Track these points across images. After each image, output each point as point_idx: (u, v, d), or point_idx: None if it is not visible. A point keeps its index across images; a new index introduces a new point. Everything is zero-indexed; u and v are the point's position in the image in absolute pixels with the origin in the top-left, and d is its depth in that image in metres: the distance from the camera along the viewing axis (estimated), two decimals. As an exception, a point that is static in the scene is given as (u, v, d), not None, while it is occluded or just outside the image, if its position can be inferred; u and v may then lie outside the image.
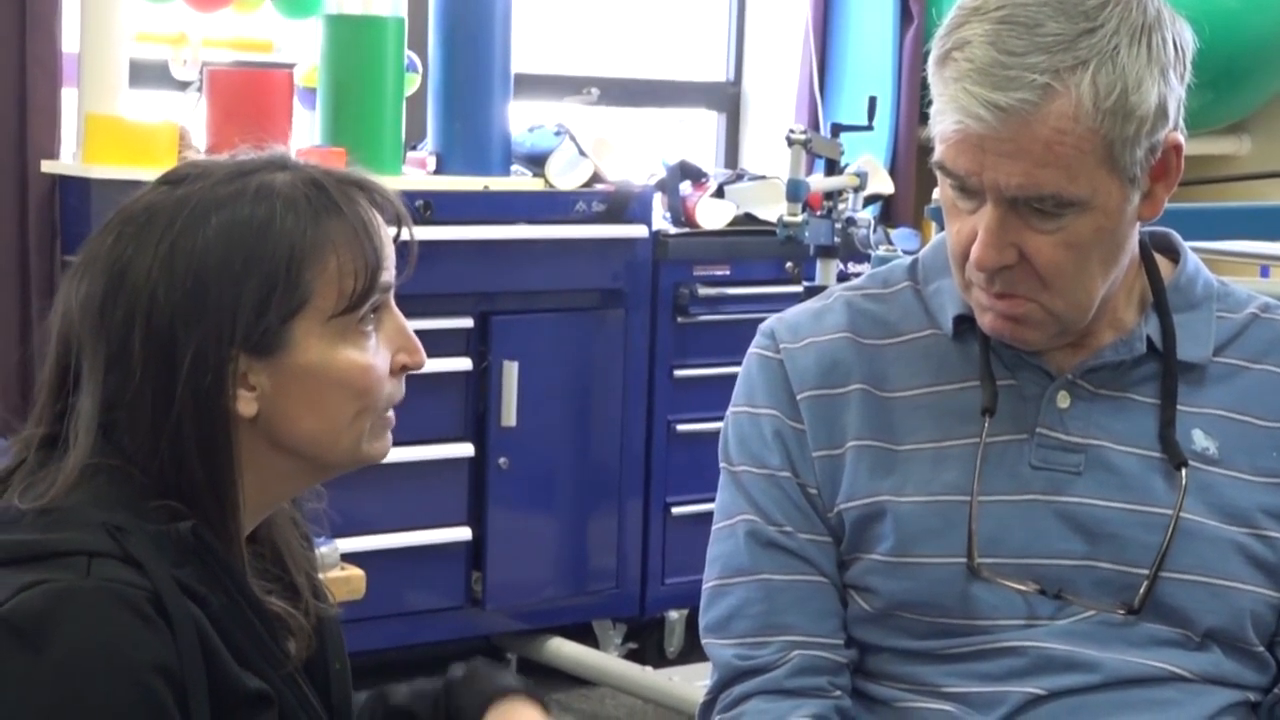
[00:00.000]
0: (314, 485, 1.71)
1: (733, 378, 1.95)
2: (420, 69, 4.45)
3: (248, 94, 4.05)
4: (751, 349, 1.94)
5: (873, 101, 4.49)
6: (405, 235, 1.67)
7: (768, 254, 4.66)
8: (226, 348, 1.56)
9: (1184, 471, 1.80)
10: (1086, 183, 1.71)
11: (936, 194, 1.85)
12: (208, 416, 1.56)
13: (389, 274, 1.63)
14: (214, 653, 1.51)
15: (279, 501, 1.68)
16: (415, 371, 1.67)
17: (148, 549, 1.50)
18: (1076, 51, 1.68)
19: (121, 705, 1.45)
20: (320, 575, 1.75)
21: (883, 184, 4.95)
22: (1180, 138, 1.76)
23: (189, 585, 1.51)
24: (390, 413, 1.67)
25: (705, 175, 4.77)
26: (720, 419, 1.95)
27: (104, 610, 1.46)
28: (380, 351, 1.63)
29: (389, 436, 1.67)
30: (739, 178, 4.85)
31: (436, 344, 4.20)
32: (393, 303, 1.66)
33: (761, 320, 1.97)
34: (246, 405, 1.58)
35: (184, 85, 4.34)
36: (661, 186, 4.69)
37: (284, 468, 1.62)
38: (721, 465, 1.93)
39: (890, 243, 4.59)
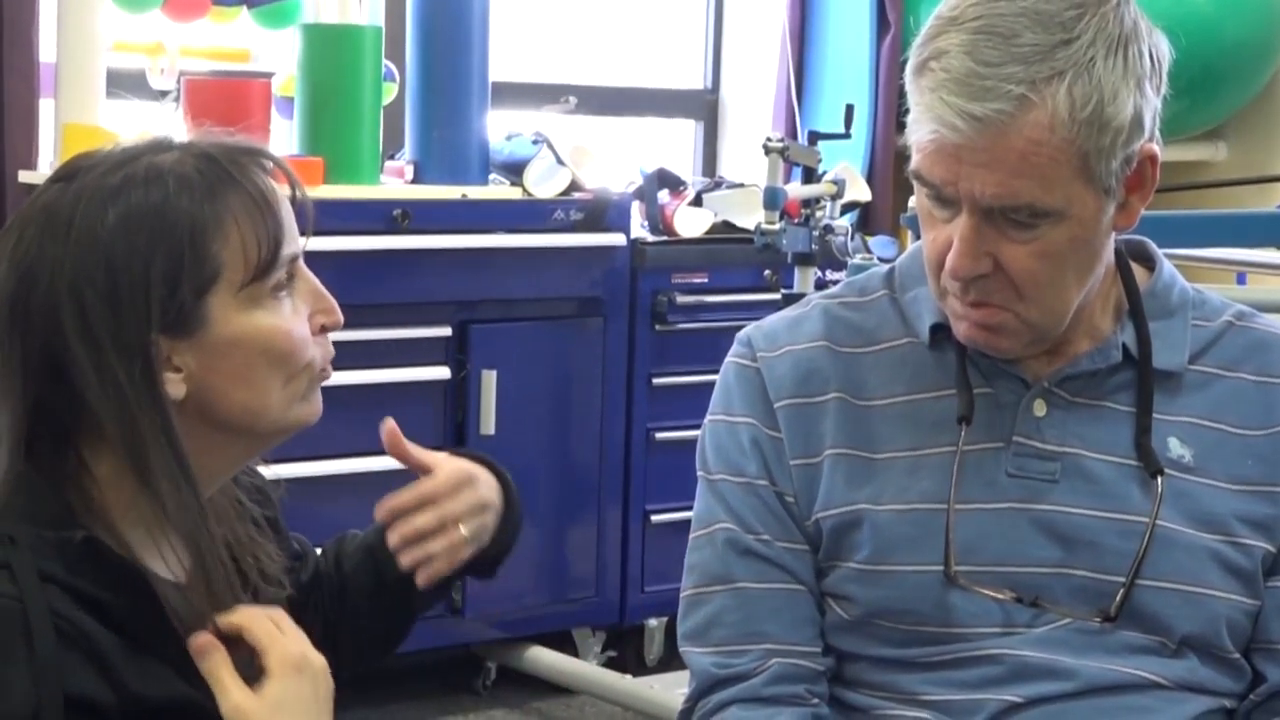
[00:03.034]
0: (250, 458, 1.72)
1: (711, 386, 1.96)
2: (398, 78, 4.45)
3: (225, 103, 4.04)
4: (729, 358, 1.94)
5: (850, 109, 4.50)
6: (299, 195, 1.68)
7: (746, 262, 4.65)
8: (145, 333, 1.56)
9: (1160, 479, 1.80)
10: (1062, 193, 1.71)
11: (913, 202, 1.85)
12: (140, 404, 1.56)
13: (292, 239, 1.64)
14: (108, 668, 1.52)
15: (218, 479, 1.68)
16: (334, 330, 1.68)
17: (30, 561, 1.51)
18: (1053, 62, 1.68)
19: None
20: (277, 559, 1.76)
21: (860, 192, 4.95)
22: (1156, 149, 1.77)
23: (86, 592, 1.53)
24: (328, 368, 1.68)
25: (683, 183, 4.77)
26: (699, 427, 1.95)
27: None
28: (298, 314, 1.64)
29: (319, 398, 1.68)
30: (717, 186, 4.85)
31: (415, 353, 4.22)
32: (303, 266, 1.66)
33: (740, 328, 1.97)
34: (175, 387, 1.59)
35: (162, 95, 4.33)
36: (639, 195, 4.69)
37: (216, 443, 1.63)
38: (699, 474, 1.93)
39: (868, 250, 4.58)
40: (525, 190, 4.40)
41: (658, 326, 4.63)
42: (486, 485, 1.86)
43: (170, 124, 4.12)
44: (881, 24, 5.26)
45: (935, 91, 1.70)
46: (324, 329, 1.67)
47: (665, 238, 4.66)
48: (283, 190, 1.66)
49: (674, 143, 5.57)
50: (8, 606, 1.49)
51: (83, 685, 1.50)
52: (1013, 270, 1.74)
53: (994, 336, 1.79)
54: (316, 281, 1.67)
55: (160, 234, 1.57)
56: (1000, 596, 1.80)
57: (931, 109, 1.70)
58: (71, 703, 1.49)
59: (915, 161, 1.75)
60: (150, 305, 1.56)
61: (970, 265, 1.74)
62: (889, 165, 5.24)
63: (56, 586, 1.52)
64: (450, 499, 1.80)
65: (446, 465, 1.81)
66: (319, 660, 1.60)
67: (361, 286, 3.97)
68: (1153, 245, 1.94)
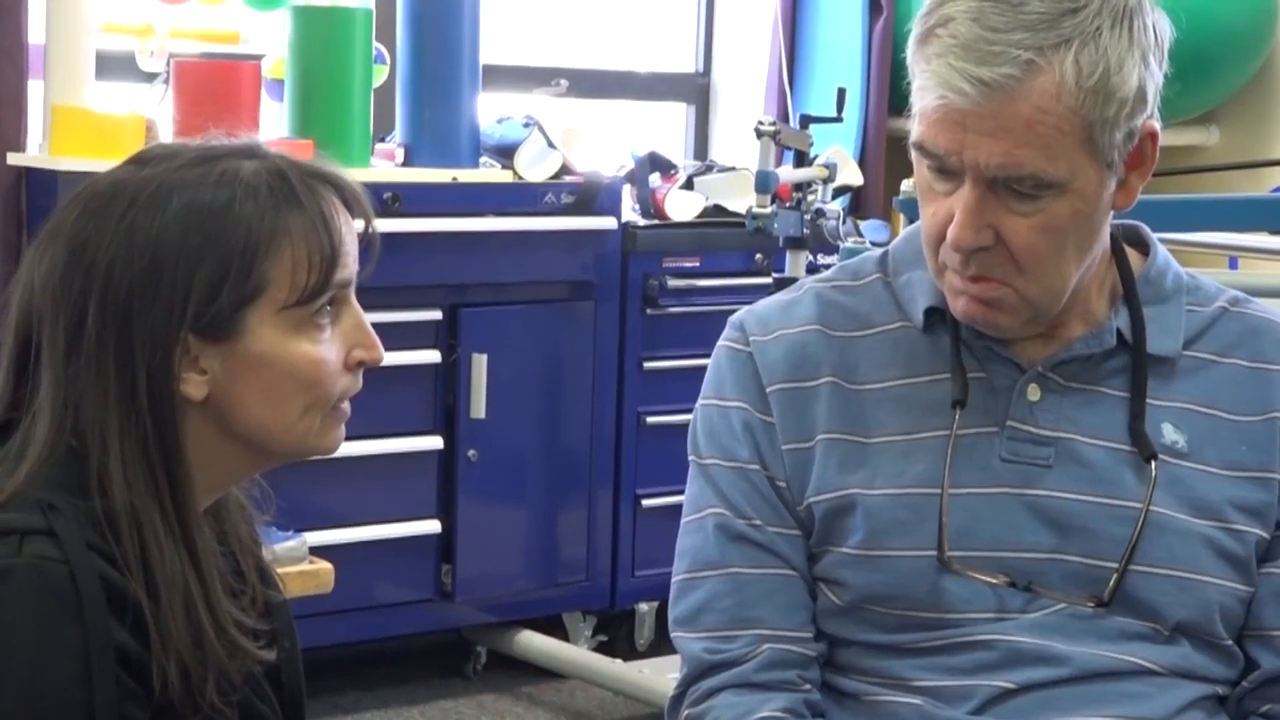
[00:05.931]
0: (259, 472, 1.73)
1: (702, 370, 1.95)
2: (388, 60, 4.44)
3: (215, 85, 4.03)
4: (721, 341, 1.94)
5: (842, 93, 4.49)
6: (370, 230, 1.68)
7: (737, 245, 4.66)
8: (176, 328, 1.57)
9: (1153, 465, 1.80)
10: (1066, 164, 1.70)
11: (906, 185, 1.84)
12: (155, 395, 1.57)
13: (346, 270, 1.64)
14: (141, 628, 1.53)
15: (225, 486, 1.69)
16: (373, 367, 1.68)
17: (74, 527, 1.52)
18: (1060, 30, 1.68)
19: (42, 684, 1.48)
20: (270, 560, 1.77)
21: (852, 175, 4.95)
22: (1156, 126, 1.77)
23: (120, 560, 1.54)
24: (345, 405, 1.68)
25: (674, 167, 4.77)
26: (690, 411, 1.94)
27: (30, 590, 1.49)
28: (334, 345, 1.64)
29: (340, 430, 1.69)
30: (708, 169, 4.85)
31: (405, 336, 4.21)
32: (352, 297, 1.67)
33: (731, 312, 1.96)
34: (196, 388, 1.60)
35: (151, 77, 4.32)
36: (631, 178, 4.68)
37: (229, 453, 1.64)
38: (690, 458, 1.92)
39: (859, 234, 4.58)
40: (516, 173, 4.39)
41: (649, 310, 4.63)
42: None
43: (159, 107, 4.12)
44: (874, 7, 5.25)
45: (942, 57, 1.69)
46: (360, 364, 1.67)
47: (656, 221, 4.66)
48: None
49: (665, 126, 5.56)
50: (56, 570, 1.50)
51: (129, 646, 1.52)
52: (1014, 244, 1.74)
53: (992, 312, 1.78)
54: (363, 315, 1.67)
55: (214, 238, 1.58)
56: (993, 581, 1.79)
57: (938, 75, 1.69)
58: (121, 663, 1.51)
59: (918, 133, 1.74)
60: (187, 305, 1.57)
61: (971, 237, 1.73)
62: (881, 149, 5.22)
63: (96, 554, 1.53)
64: None
65: None
66: None
67: (352, 269, 3.96)
68: (1147, 230, 1.93)
